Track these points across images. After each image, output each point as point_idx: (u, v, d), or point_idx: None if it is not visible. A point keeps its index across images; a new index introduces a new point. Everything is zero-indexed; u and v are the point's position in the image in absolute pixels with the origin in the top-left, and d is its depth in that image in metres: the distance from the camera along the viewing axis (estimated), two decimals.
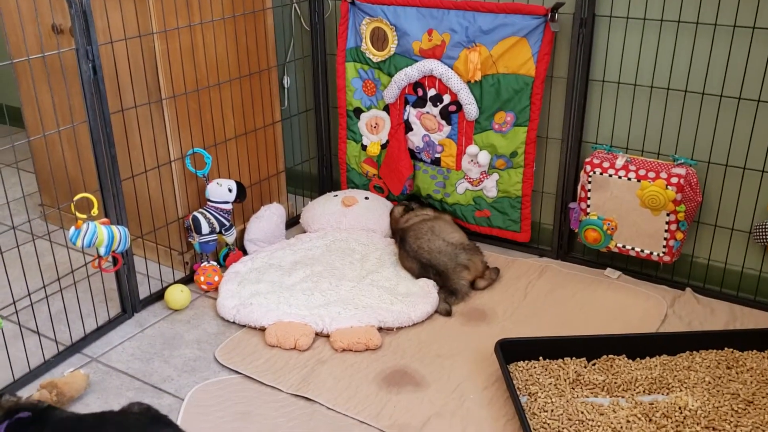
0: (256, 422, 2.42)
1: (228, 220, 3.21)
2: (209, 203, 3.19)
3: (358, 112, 3.59)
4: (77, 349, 2.78)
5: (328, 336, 2.85)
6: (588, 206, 3.10)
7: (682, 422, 2.29)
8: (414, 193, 3.62)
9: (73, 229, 2.59)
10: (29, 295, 2.65)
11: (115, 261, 2.80)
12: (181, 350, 2.81)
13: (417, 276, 3.16)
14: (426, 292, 3.06)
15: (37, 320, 2.73)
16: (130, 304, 2.99)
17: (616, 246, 3.11)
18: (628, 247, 3.09)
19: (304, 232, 3.64)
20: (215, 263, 3.24)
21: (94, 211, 2.59)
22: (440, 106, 3.32)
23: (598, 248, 3.15)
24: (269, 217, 3.46)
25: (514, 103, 3.17)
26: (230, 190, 3.19)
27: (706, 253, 3.07)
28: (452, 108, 3.30)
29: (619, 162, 2.96)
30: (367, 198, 3.63)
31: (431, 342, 2.84)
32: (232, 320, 2.95)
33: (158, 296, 3.11)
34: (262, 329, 2.89)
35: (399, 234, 3.33)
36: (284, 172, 3.76)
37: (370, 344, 2.78)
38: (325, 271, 3.23)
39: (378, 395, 2.54)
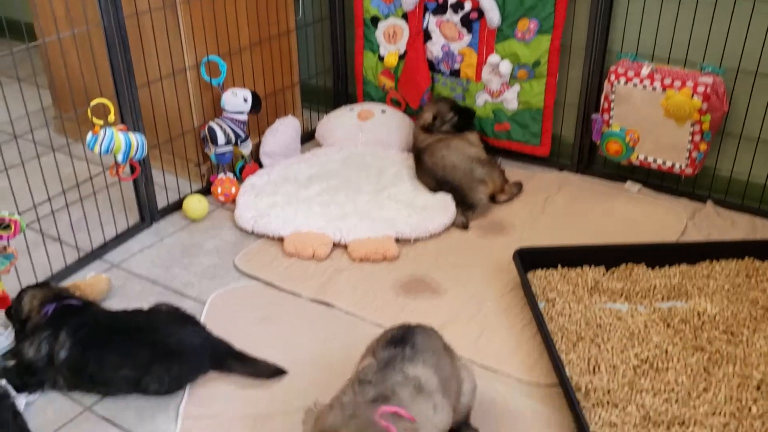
0: (277, 325, 2.45)
1: (243, 131, 3.18)
2: (225, 114, 3.16)
3: (375, 20, 3.50)
4: (98, 256, 2.80)
5: (345, 246, 2.86)
6: (611, 117, 3.04)
7: (700, 327, 2.30)
8: (468, 107, 3.41)
9: (90, 134, 2.57)
10: (49, 200, 2.65)
11: (132, 169, 2.79)
12: (201, 258, 2.82)
13: (433, 190, 3.14)
14: (443, 204, 3.04)
15: (58, 228, 2.74)
16: (149, 213, 3.00)
17: (637, 158, 3.06)
18: (650, 159, 3.04)
19: (320, 146, 3.60)
20: (232, 175, 3.22)
21: (111, 117, 2.57)
22: (461, 13, 3.23)
23: (619, 161, 3.11)
24: (284, 130, 3.42)
25: (539, 9, 3.07)
26: (245, 100, 3.14)
27: (729, 165, 3.02)
28: (474, 15, 3.20)
29: (645, 71, 2.88)
30: (383, 111, 3.58)
31: (448, 253, 2.84)
32: (250, 230, 2.96)
33: (176, 207, 3.12)
34: (280, 239, 2.89)
35: (415, 152, 3.28)
36: (299, 85, 3.70)
37: (387, 254, 2.79)
38: (341, 185, 3.21)
39: (395, 301, 2.56)
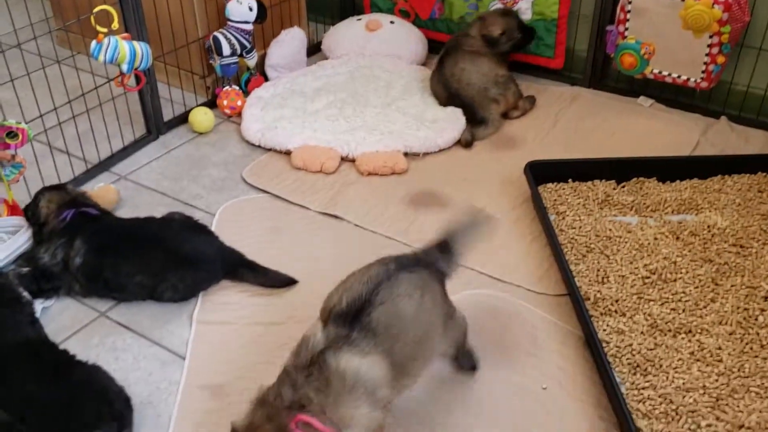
0: (287, 236, 2.46)
1: (249, 42, 3.11)
2: (229, 23, 3.07)
3: None
4: (105, 168, 2.79)
5: (353, 160, 2.84)
6: (626, 29, 2.95)
7: (710, 240, 2.30)
8: (531, 27, 3.18)
9: (94, 43, 2.51)
10: (56, 110, 2.61)
11: (137, 80, 2.74)
12: (209, 171, 2.81)
13: (443, 103, 3.09)
14: (454, 119, 2.99)
15: (65, 139, 2.72)
16: (155, 125, 2.97)
17: (651, 72, 2.99)
18: (665, 73, 2.97)
19: (326, 59, 3.53)
20: (237, 88, 3.17)
21: (114, 25, 2.49)
22: None
23: (633, 74, 3.04)
24: (290, 41, 3.34)
25: None
26: (251, 9, 3.06)
27: (746, 79, 2.96)
28: None
29: None
30: (392, 22, 3.49)
31: (458, 167, 2.82)
32: (257, 144, 2.93)
33: (182, 120, 3.08)
34: (288, 153, 2.87)
35: (443, 53, 3.14)
36: None
37: (396, 168, 2.77)
38: (349, 98, 3.16)
39: (405, 214, 2.56)
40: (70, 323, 2.12)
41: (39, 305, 2.12)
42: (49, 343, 1.94)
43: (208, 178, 2.77)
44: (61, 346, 1.93)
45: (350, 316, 1.57)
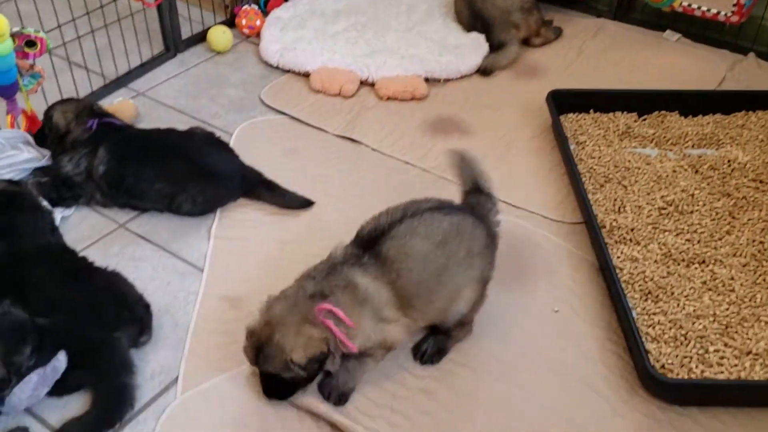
0: (304, 157, 2.46)
1: None
2: None
3: None
4: (123, 83, 2.78)
5: (373, 84, 2.81)
6: None
7: (729, 174, 2.29)
8: None
9: None
10: (74, 21, 2.59)
11: None
12: (227, 90, 2.79)
13: (466, 26, 3.04)
14: (477, 45, 2.95)
15: (83, 53, 2.70)
16: (173, 42, 2.94)
17: (680, 5, 2.92)
18: (694, 6, 2.90)
19: None
20: (256, 7, 3.12)
21: None
22: None
23: (661, 7, 2.97)
24: None
25: None
26: None
27: None
28: None
29: None
30: None
31: (479, 94, 2.79)
32: (275, 65, 2.91)
33: (200, 38, 3.05)
34: (307, 75, 2.84)
35: None
36: None
37: (416, 93, 2.74)
38: (369, 21, 3.11)
39: (423, 140, 2.55)
40: (89, 233, 2.15)
41: (58, 214, 2.15)
42: (69, 250, 1.97)
43: (226, 97, 2.75)
44: (81, 255, 1.97)
45: (367, 242, 1.64)
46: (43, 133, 2.30)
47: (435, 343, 1.78)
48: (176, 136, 2.26)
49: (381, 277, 1.60)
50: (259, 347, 1.56)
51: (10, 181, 2.10)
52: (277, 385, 1.60)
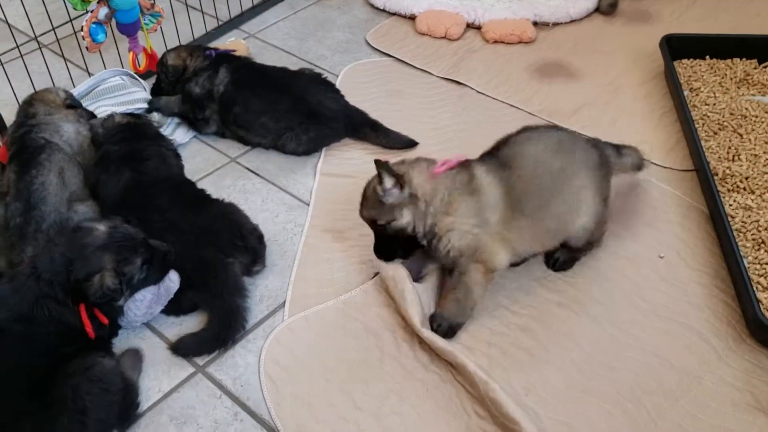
0: (409, 99, 2.48)
1: None
2: None
3: None
4: (235, 25, 2.87)
5: (479, 27, 2.78)
6: None
7: None
8: None
9: None
10: None
11: None
12: (333, 33, 2.84)
13: None
14: None
15: None
16: None
17: None
18: None
19: None
20: None
21: None
22: None
23: None
24: None
25: None
26: None
27: None
28: None
29: None
30: None
31: (589, 39, 2.71)
32: (381, 7, 2.92)
33: None
34: (413, 17, 2.84)
35: None
36: None
37: (523, 37, 2.70)
38: None
39: (529, 83, 2.51)
40: (203, 165, 2.26)
41: (176, 143, 2.27)
42: (188, 180, 2.08)
43: (333, 39, 2.80)
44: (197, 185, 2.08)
45: (493, 148, 1.77)
46: (159, 86, 2.41)
47: (567, 252, 1.83)
48: (287, 76, 2.32)
49: (496, 172, 1.68)
50: (364, 194, 1.76)
51: (132, 114, 2.23)
52: (383, 240, 1.74)
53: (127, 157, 1.98)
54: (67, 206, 1.88)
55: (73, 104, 2.19)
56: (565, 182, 1.69)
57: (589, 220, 1.74)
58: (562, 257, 1.84)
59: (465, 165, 1.71)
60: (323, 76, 2.36)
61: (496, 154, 1.73)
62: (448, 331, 1.70)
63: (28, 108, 2.11)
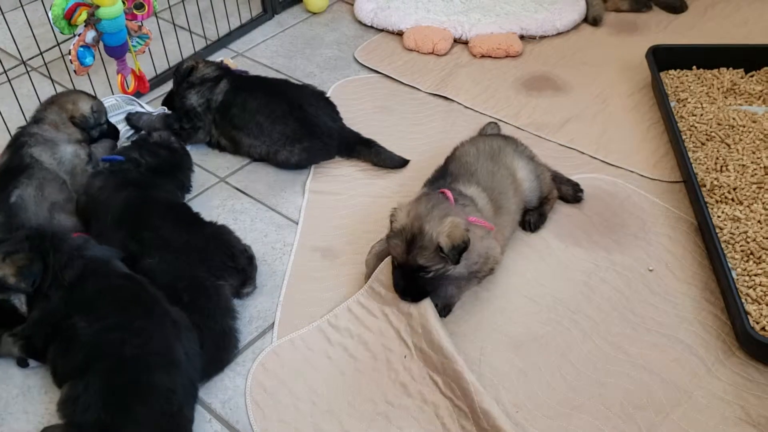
0: (397, 115, 2.49)
1: None
2: None
3: None
4: (224, 44, 2.88)
5: (466, 42, 2.79)
6: None
7: None
8: None
9: None
10: None
11: None
12: (322, 50, 2.85)
13: None
14: (574, 0, 2.87)
15: (187, 16, 2.81)
16: (270, 4, 3.01)
17: None
18: None
19: None
20: None
21: None
22: None
23: None
24: None
25: None
26: None
27: None
28: None
29: None
30: None
31: (576, 51, 2.72)
32: (369, 24, 2.93)
33: (296, 0, 3.11)
34: (400, 33, 2.85)
35: None
36: None
37: (510, 51, 2.71)
38: None
39: (517, 98, 2.52)
40: (192, 186, 2.26)
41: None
42: (182, 203, 2.08)
43: (321, 57, 2.80)
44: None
45: (440, 170, 1.99)
46: (171, 97, 2.42)
47: (535, 212, 2.02)
48: (289, 85, 2.38)
49: (469, 181, 1.86)
50: (411, 240, 1.67)
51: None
52: (416, 282, 1.71)
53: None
54: (48, 214, 1.93)
55: (80, 124, 2.16)
56: (498, 160, 1.94)
57: (529, 180, 1.97)
58: (533, 218, 2.01)
59: (456, 191, 1.83)
60: (327, 95, 2.37)
61: (449, 170, 1.94)
62: (444, 309, 1.80)
63: (42, 110, 2.14)
